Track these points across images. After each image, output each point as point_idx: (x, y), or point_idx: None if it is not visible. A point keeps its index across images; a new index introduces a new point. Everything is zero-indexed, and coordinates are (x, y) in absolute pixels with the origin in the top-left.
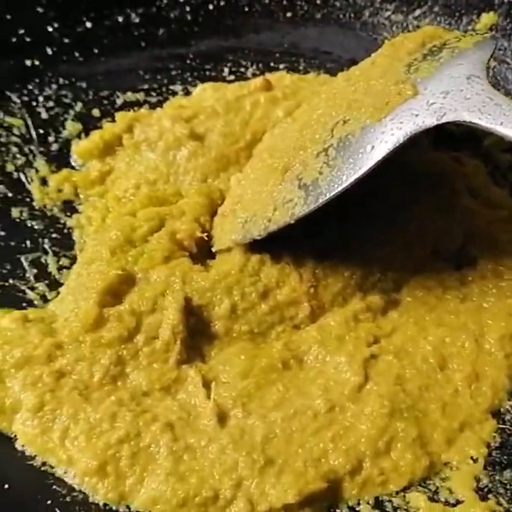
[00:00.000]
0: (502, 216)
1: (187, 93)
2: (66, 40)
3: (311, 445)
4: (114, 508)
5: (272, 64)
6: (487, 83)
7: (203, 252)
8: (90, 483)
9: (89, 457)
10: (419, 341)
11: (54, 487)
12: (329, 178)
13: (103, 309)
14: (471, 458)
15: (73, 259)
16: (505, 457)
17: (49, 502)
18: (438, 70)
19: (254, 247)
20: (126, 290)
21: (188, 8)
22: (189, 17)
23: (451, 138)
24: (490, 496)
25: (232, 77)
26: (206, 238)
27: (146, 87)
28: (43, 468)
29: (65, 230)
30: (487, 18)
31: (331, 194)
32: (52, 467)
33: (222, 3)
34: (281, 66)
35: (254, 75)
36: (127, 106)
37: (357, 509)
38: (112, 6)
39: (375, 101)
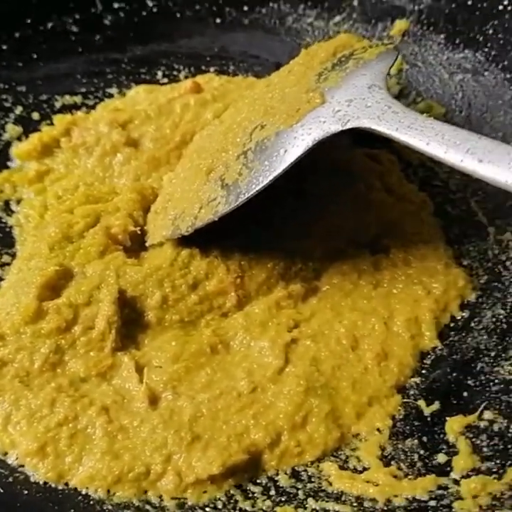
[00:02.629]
0: (411, 209)
1: (123, 95)
2: (4, 47)
3: (234, 422)
4: (53, 486)
5: (203, 67)
6: (386, 92)
7: (136, 245)
8: (31, 464)
9: (30, 440)
10: (334, 325)
11: None
12: (248, 179)
13: (42, 303)
14: (378, 429)
15: (14, 257)
16: (407, 427)
17: None
18: (344, 79)
19: (185, 241)
20: (64, 284)
21: (122, 15)
22: (124, 23)
23: (369, 137)
24: (392, 462)
25: (165, 80)
26: (139, 232)
27: (83, 90)
28: None
29: (7, 229)
30: (400, 25)
31: (250, 194)
32: None
33: (155, 10)
34: (212, 69)
35: (186, 78)
36: (66, 109)
37: (276, 478)
38: (50, 13)
39: (288, 108)
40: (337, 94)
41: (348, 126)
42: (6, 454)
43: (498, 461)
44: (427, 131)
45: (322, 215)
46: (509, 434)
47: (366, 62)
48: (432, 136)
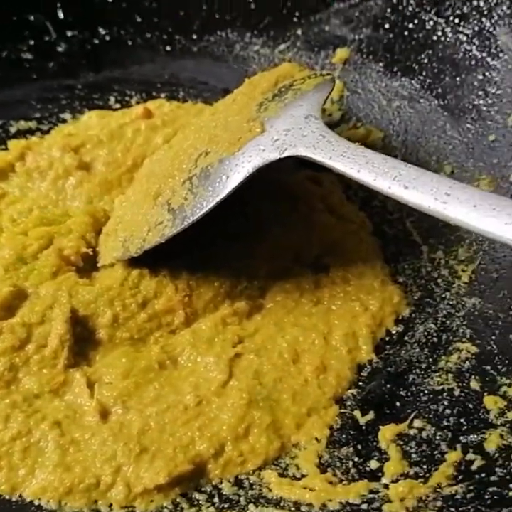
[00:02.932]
0: (352, 229)
1: (76, 120)
2: None
3: (180, 434)
4: (7, 497)
5: (154, 93)
6: (321, 122)
7: (89, 266)
8: None
9: None
10: (277, 339)
11: None
12: (193, 203)
13: None
14: (316, 438)
15: None
16: (343, 436)
17: None
18: (283, 109)
19: (135, 262)
20: (18, 304)
21: (75, 42)
22: (77, 50)
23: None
24: (328, 469)
25: (118, 105)
26: (91, 253)
27: (38, 115)
28: None
29: None
30: (341, 53)
31: (194, 218)
32: None
33: (107, 38)
34: (163, 95)
35: (138, 103)
36: (21, 133)
37: (219, 486)
38: (5, 41)
39: (230, 136)
40: (276, 123)
41: (286, 154)
42: None
43: (424, 466)
44: (358, 159)
45: (267, 235)
46: (436, 441)
47: (304, 93)
48: (362, 164)
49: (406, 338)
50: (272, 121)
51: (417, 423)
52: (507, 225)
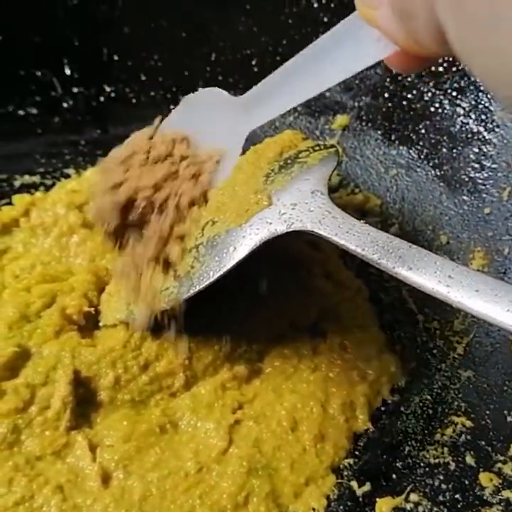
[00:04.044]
0: (348, 296)
1: (79, 176)
2: None
3: (181, 501)
4: None
5: None
6: (327, 198)
7: (90, 324)
8: None
9: None
10: (276, 407)
11: None
12: (199, 272)
13: (1, 383)
14: (313, 509)
15: None
16: (340, 507)
17: None
18: (289, 183)
19: None
20: (22, 364)
21: (81, 98)
22: (82, 107)
23: None
24: None
25: None
26: (93, 312)
27: (42, 170)
28: None
29: None
30: (341, 120)
31: (201, 286)
32: None
33: (112, 95)
34: None
35: None
36: (25, 187)
37: None
38: (11, 95)
39: (237, 207)
40: (282, 197)
41: (293, 228)
42: None
43: None
44: (364, 237)
45: (266, 299)
46: None
47: (310, 166)
48: (367, 243)
49: (402, 408)
50: (278, 194)
51: (413, 497)
52: (508, 312)
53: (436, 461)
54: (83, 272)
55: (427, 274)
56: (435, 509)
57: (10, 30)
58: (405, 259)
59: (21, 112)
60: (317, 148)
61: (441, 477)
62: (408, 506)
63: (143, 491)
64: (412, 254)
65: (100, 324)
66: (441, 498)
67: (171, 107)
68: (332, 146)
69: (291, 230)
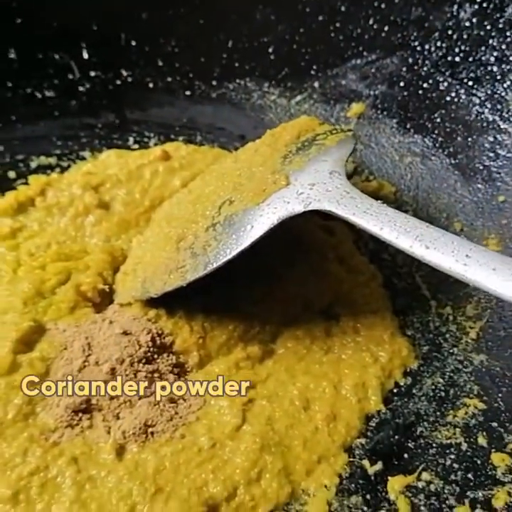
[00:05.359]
0: (361, 281)
1: (95, 158)
2: None
3: (194, 476)
4: None
5: (172, 136)
6: (345, 178)
7: (105, 302)
8: (4, 510)
9: (4, 487)
10: (288, 386)
11: None
12: (216, 250)
13: (16, 356)
14: (325, 486)
15: None
16: (352, 485)
17: None
18: (307, 164)
19: (152, 302)
20: (37, 339)
21: (98, 82)
22: (99, 90)
23: None
24: None
25: (136, 146)
26: (108, 290)
27: (58, 152)
28: None
29: None
30: (357, 107)
31: (217, 264)
32: None
33: (129, 80)
34: (180, 138)
35: (156, 145)
36: (41, 169)
37: None
38: (29, 78)
39: (255, 187)
40: (300, 177)
41: (310, 207)
42: None
43: None
44: (381, 217)
45: (280, 282)
46: (444, 495)
47: (327, 148)
48: (385, 222)
49: (414, 390)
50: (296, 175)
51: (425, 476)
52: None
53: (449, 441)
54: (98, 252)
55: (444, 253)
56: (447, 487)
57: (29, 13)
58: (422, 238)
59: (39, 95)
60: (334, 131)
61: (453, 457)
62: (420, 484)
63: (156, 465)
64: (429, 233)
65: (115, 302)
66: (453, 477)
67: (187, 92)
68: (349, 130)
69: (308, 209)
